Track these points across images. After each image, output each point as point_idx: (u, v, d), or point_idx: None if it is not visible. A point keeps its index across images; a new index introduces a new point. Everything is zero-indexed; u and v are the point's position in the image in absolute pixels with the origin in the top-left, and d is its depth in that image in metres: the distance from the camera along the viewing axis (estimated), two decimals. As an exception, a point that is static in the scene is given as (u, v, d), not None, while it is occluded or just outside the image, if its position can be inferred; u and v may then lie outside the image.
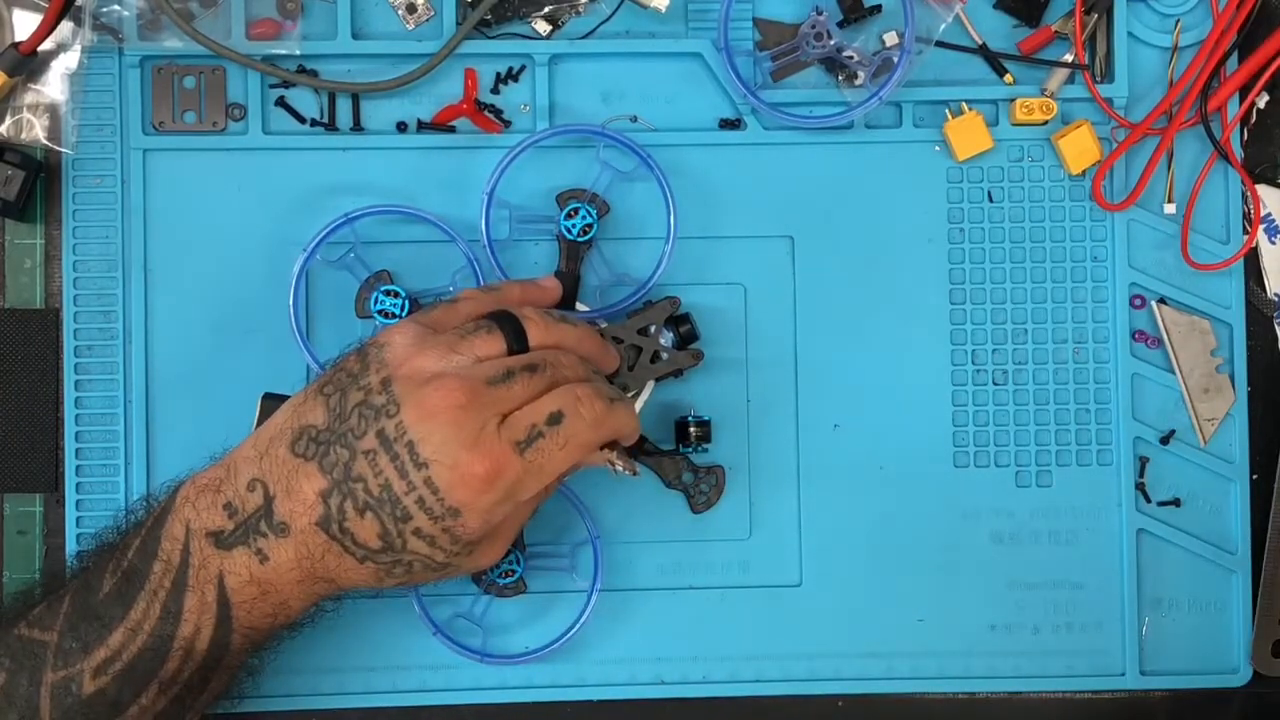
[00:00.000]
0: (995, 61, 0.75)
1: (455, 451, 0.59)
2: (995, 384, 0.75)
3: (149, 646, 0.61)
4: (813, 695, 0.74)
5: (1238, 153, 0.75)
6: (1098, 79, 0.75)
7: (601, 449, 0.65)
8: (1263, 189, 0.76)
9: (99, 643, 0.61)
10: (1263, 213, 0.76)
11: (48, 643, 0.61)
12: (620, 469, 0.66)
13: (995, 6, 0.75)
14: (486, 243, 0.71)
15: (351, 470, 0.60)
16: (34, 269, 0.73)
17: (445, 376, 0.60)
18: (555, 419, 0.61)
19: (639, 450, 0.72)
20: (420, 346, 0.61)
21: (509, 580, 0.71)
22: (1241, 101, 0.74)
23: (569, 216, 0.71)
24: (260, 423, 0.71)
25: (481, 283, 0.71)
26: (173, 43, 0.72)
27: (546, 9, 0.74)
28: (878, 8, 0.74)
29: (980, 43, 0.75)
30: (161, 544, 0.62)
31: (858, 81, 0.74)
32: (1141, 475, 0.75)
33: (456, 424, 0.59)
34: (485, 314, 0.64)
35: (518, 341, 0.63)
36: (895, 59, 0.73)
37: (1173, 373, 0.75)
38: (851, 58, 0.73)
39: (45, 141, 0.71)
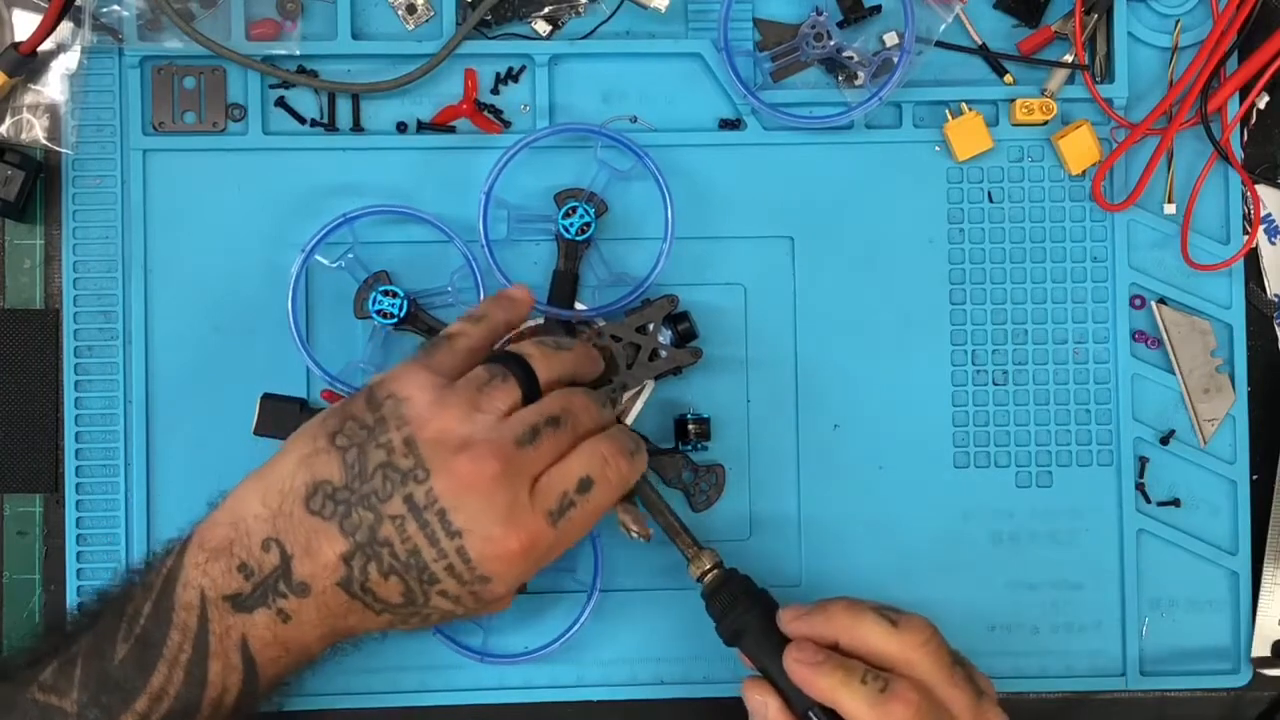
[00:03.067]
0: (995, 62, 0.75)
1: (489, 525, 0.59)
2: (995, 384, 0.75)
3: (176, 710, 0.60)
4: (812, 695, 0.74)
5: (1238, 153, 0.75)
6: (1098, 79, 0.75)
7: None
8: (1263, 189, 0.76)
9: (124, 709, 0.60)
10: (1263, 213, 0.76)
11: (68, 711, 0.60)
12: (635, 534, 0.68)
13: (995, 6, 0.75)
14: (484, 242, 0.71)
15: (377, 534, 0.59)
16: (34, 269, 0.73)
17: (476, 443, 0.60)
18: (585, 486, 0.61)
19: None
20: (442, 404, 0.60)
21: (509, 580, 0.71)
22: (1241, 102, 0.74)
23: (567, 216, 0.71)
24: (259, 423, 0.71)
25: (480, 283, 0.71)
26: (173, 43, 0.72)
27: (546, 9, 0.74)
28: (878, 8, 0.74)
29: (980, 43, 0.75)
30: (176, 612, 0.60)
31: (858, 82, 0.74)
32: (1141, 475, 0.75)
33: (490, 495, 0.59)
34: (490, 358, 0.64)
35: (528, 382, 0.63)
36: (895, 59, 0.73)
37: (1173, 373, 0.75)
38: (851, 58, 0.73)
39: (45, 141, 0.72)
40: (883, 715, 0.61)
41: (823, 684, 0.62)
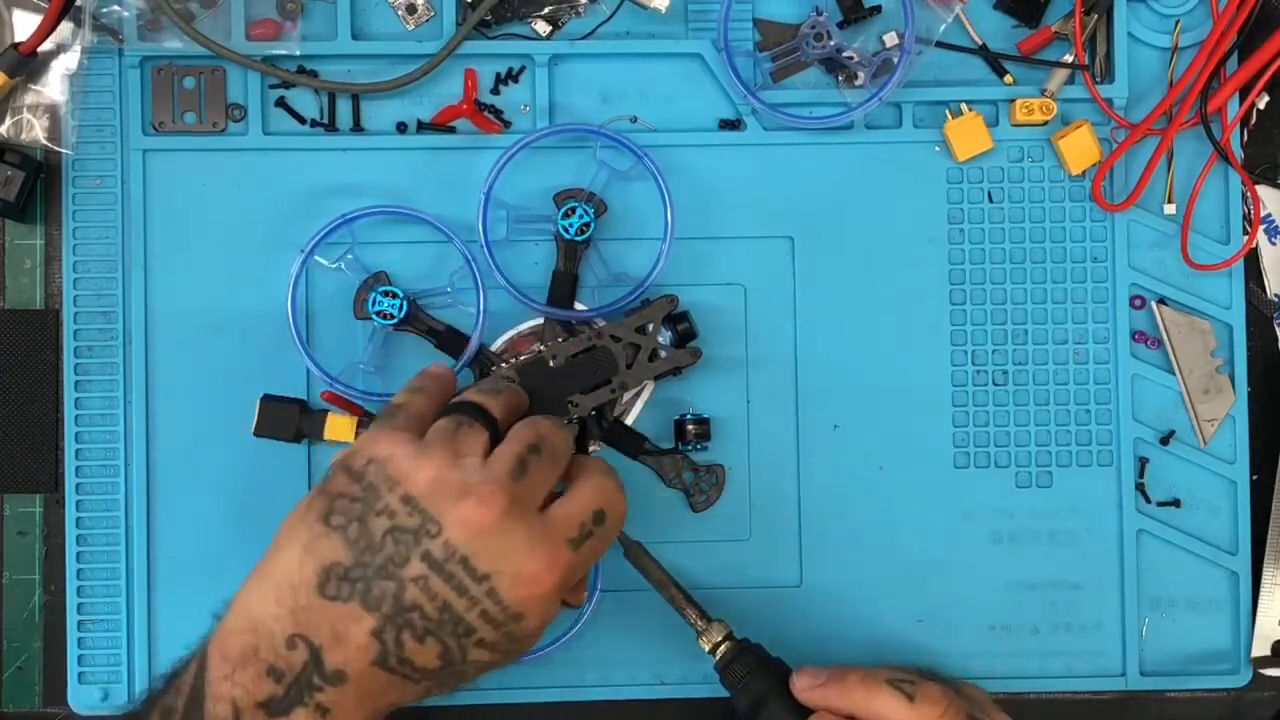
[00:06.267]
0: (995, 62, 0.75)
1: (515, 560, 0.58)
2: (995, 384, 0.75)
3: None
4: (812, 695, 0.74)
5: (1238, 153, 0.75)
6: (1098, 79, 0.75)
7: None
8: (1263, 189, 0.76)
9: None
10: (1263, 213, 0.76)
11: None
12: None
13: (995, 7, 0.75)
14: (484, 243, 0.72)
15: (403, 601, 0.58)
16: (34, 269, 0.73)
17: (475, 486, 0.59)
18: (600, 518, 0.62)
19: (639, 450, 0.72)
20: (425, 457, 0.60)
21: (509, 580, 0.71)
22: (1241, 102, 0.74)
23: (566, 216, 0.71)
24: (259, 424, 0.71)
25: (479, 283, 0.71)
26: (173, 43, 0.72)
27: (546, 9, 0.74)
28: (878, 8, 0.74)
29: (980, 43, 0.75)
30: None
31: (858, 82, 0.74)
32: (1141, 475, 0.75)
33: (506, 532, 0.58)
34: (444, 410, 0.64)
35: (490, 424, 0.63)
36: (895, 59, 0.73)
37: (1173, 373, 0.75)
38: (851, 58, 0.73)
39: (45, 142, 0.72)
40: None
41: None
